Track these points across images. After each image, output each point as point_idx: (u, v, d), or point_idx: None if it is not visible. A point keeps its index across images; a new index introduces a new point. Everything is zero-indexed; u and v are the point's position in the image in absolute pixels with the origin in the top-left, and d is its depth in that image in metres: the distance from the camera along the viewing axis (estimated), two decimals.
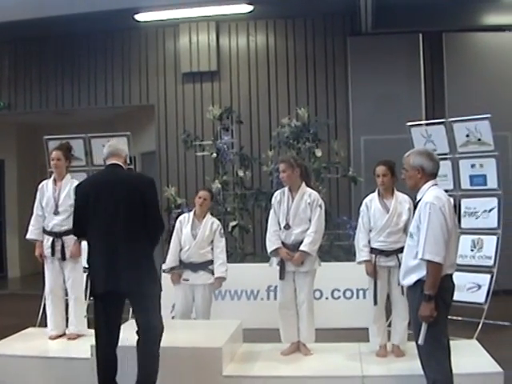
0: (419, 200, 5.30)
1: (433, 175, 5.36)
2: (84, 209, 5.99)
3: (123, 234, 5.88)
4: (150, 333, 6.03)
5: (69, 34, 12.84)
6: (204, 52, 12.65)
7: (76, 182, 8.10)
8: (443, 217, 5.06)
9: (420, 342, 5.06)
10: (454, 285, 5.32)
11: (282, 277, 7.30)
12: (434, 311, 4.99)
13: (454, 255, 5.30)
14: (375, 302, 7.19)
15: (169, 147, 12.92)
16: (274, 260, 7.43)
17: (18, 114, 14.18)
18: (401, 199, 7.24)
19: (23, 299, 12.88)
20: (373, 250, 7.20)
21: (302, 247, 7.19)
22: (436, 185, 5.34)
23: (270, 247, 7.35)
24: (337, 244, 10.51)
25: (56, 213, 7.97)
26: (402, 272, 5.41)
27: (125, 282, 5.84)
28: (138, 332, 6.05)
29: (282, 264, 7.28)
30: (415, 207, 5.36)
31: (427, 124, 10.02)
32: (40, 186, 8.26)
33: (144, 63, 13.14)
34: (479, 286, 9.04)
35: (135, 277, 5.89)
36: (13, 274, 16.24)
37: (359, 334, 7.88)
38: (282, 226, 7.29)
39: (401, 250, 6.93)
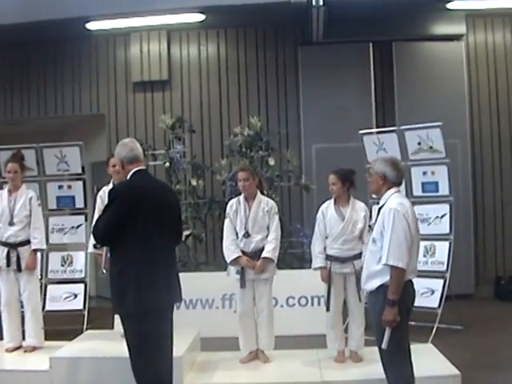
0: (381, 206, 5.38)
1: (396, 183, 5.46)
2: (124, 216, 5.43)
3: (167, 244, 5.70)
4: None
5: (18, 43, 12.63)
6: (155, 61, 12.59)
7: (32, 193, 8.09)
8: (406, 223, 5.15)
9: (384, 346, 5.13)
10: (414, 290, 5.41)
11: (243, 285, 7.33)
12: (398, 316, 5.06)
13: (416, 261, 5.40)
14: (328, 309, 7.31)
15: None
16: (232, 269, 7.46)
17: None
18: (357, 207, 7.34)
19: None
20: (328, 257, 7.29)
21: (265, 254, 7.24)
22: (398, 192, 5.44)
23: (229, 256, 7.35)
24: (290, 252, 10.55)
25: (11, 223, 7.90)
26: (363, 277, 5.48)
27: (176, 293, 5.78)
28: None
29: (242, 272, 7.31)
30: (378, 213, 5.43)
31: (379, 132, 10.14)
32: None
33: (94, 72, 13.01)
34: (432, 291, 9.19)
35: (178, 287, 5.82)
36: None
37: (316, 341, 7.98)
38: (241, 234, 7.33)
39: (356, 256, 7.14)
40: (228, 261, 7.39)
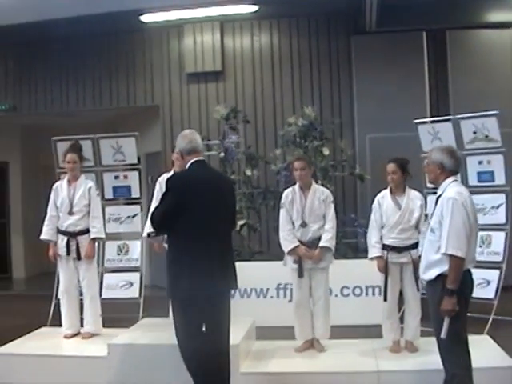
0: (439, 195, 5.36)
1: (453, 172, 5.43)
2: (180, 205, 5.63)
3: (222, 232, 5.85)
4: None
5: (74, 36, 12.82)
6: (208, 52, 12.68)
7: (91, 183, 8.24)
8: (465, 212, 5.12)
9: (442, 335, 5.11)
10: (473, 280, 5.39)
11: (301, 275, 7.36)
12: (456, 305, 5.05)
13: (474, 250, 5.37)
14: (385, 299, 7.27)
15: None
16: (289, 259, 7.49)
17: (23, 115, 14.19)
18: (413, 196, 7.30)
19: (29, 300, 12.93)
20: (385, 247, 7.26)
21: (323, 243, 7.28)
22: (456, 181, 5.41)
23: (286, 247, 7.39)
24: (344, 242, 10.53)
25: (71, 213, 8.05)
26: (422, 266, 5.46)
27: (230, 280, 5.93)
28: None
29: (299, 262, 7.34)
30: (436, 202, 5.41)
31: (434, 121, 10.04)
32: (54, 186, 8.33)
33: (149, 64, 13.17)
34: (488, 282, 9.06)
35: (233, 275, 5.99)
36: (17, 275, 16.25)
37: (371, 331, 7.98)
38: (298, 224, 7.36)
39: (413, 246, 7.10)
40: (286, 251, 7.42)
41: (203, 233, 5.67)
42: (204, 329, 5.74)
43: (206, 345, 5.69)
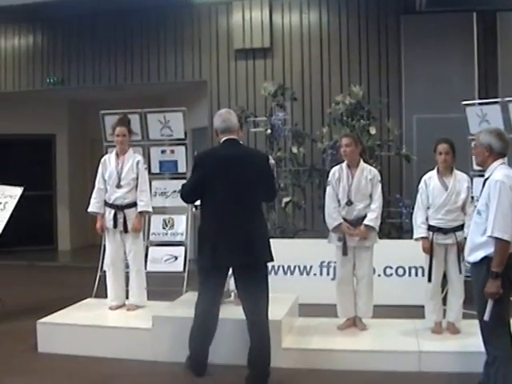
0: (487, 178, 5.35)
1: (501, 154, 5.39)
2: (203, 180, 6.11)
3: (249, 206, 6.12)
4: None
5: (122, 10, 12.94)
6: (257, 29, 12.69)
7: (139, 157, 8.33)
8: None
9: (486, 317, 5.12)
10: None
11: (345, 252, 7.40)
12: (500, 288, 5.05)
13: None
14: (429, 279, 7.26)
15: None
16: (333, 236, 7.53)
17: (71, 89, 14.34)
18: (459, 177, 7.28)
19: (74, 271, 13.20)
20: (430, 228, 7.25)
21: (367, 222, 7.32)
22: (504, 163, 5.38)
23: (331, 224, 7.43)
24: (389, 221, 10.55)
25: (119, 186, 8.14)
26: (467, 249, 5.46)
27: (255, 253, 6.10)
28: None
29: (344, 240, 7.38)
30: (483, 184, 5.40)
31: (482, 103, 9.95)
32: (102, 160, 8.41)
33: (197, 39, 13.21)
34: None
35: (262, 248, 6.15)
36: (63, 246, 16.54)
37: (413, 311, 7.98)
38: (344, 202, 7.40)
39: (458, 228, 7.09)
40: (330, 228, 7.46)
41: (228, 206, 6.05)
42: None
43: (209, 308, 6.28)
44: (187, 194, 6.38)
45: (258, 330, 6.17)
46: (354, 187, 7.37)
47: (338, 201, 7.45)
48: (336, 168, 7.62)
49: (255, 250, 6.09)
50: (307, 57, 12.78)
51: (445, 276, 7.39)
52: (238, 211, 6.04)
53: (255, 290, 6.15)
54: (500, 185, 5.11)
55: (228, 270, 6.35)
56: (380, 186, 7.47)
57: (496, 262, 5.05)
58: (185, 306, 7.55)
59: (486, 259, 5.17)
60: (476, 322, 5.46)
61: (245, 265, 6.06)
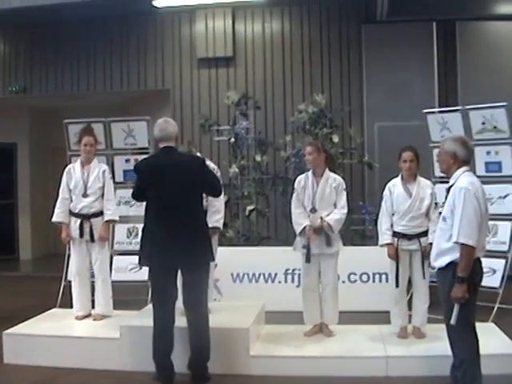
0: (452, 185, 5.45)
1: (466, 162, 5.51)
2: (143, 187, 6.52)
3: (185, 208, 6.34)
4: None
5: (85, 19, 12.88)
6: (220, 38, 12.74)
7: (104, 166, 8.33)
8: (477, 202, 5.22)
9: (452, 322, 5.21)
10: (482, 268, 5.48)
11: (308, 260, 7.45)
12: (467, 293, 5.15)
13: (484, 239, 5.47)
14: (397, 285, 7.33)
15: (184, 132, 12.90)
16: (298, 243, 7.58)
17: (34, 97, 14.26)
18: (423, 184, 7.39)
19: (37, 281, 13.01)
20: (395, 234, 7.35)
21: (327, 219, 7.37)
22: (468, 171, 5.50)
23: (298, 229, 7.48)
24: (352, 228, 10.65)
25: (85, 195, 8.10)
26: (433, 254, 5.55)
27: (180, 258, 6.30)
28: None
29: (308, 247, 7.43)
30: (448, 191, 5.51)
31: (443, 111, 10.11)
32: (67, 169, 8.35)
33: (160, 48, 13.23)
34: (494, 271, 9.14)
35: (189, 253, 6.30)
36: (24, 256, 16.34)
37: (378, 317, 8.05)
38: (308, 209, 7.46)
39: (422, 234, 7.21)
40: (297, 232, 7.50)
41: (164, 210, 6.34)
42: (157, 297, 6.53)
43: (158, 313, 6.47)
44: (136, 199, 7.02)
45: (193, 332, 6.38)
46: (319, 195, 7.44)
47: (304, 208, 7.51)
48: (302, 176, 7.69)
49: (190, 252, 6.28)
50: (270, 66, 12.87)
51: (409, 281, 7.49)
52: (173, 215, 6.30)
53: (192, 291, 6.37)
54: (465, 192, 5.22)
55: (173, 272, 6.47)
56: (345, 194, 7.53)
57: (462, 267, 5.15)
58: (152, 316, 7.56)
59: (451, 264, 5.27)
60: (441, 326, 5.58)
61: (182, 267, 6.36)
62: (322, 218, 7.38)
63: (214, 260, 6.66)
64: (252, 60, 12.92)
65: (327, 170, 7.57)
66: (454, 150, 5.48)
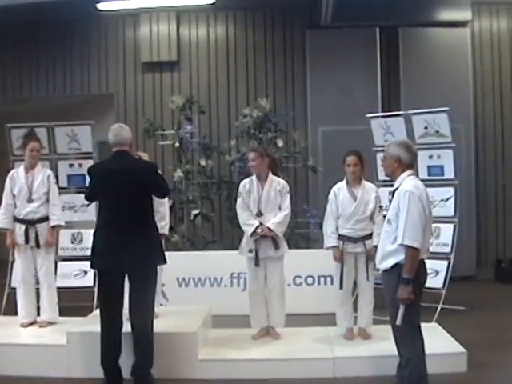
0: (396, 188, 5.55)
1: (410, 165, 5.63)
2: (94, 191, 6.62)
3: (127, 216, 6.30)
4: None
5: (28, 22, 12.67)
6: (164, 42, 12.68)
7: (49, 171, 8.26)
8: (421, 205, 5.33)
9: (398, 322, 5.30)
10: (426, 270, 5.59)
11: (257, 263, 7.52)
12: (411, 294, 5.25)
13: (428, 241, 5.58)
14: (341, 287, 7.44)
15: None
16: (245, 248, 7.64)
17: None
18: (368, 188, 7.51)
19: None
20: (340, 237, 7.46)
21: (269, 224, 7.43)
22: (412, 175, 5.61)
23: (248, 230, 7.51)
24: (297, 232, 10.72)
25: (30, 200, 8.02)
26: (378, 256, 5.65)
27: (130, 261, 6.25)
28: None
29: (256, 251, 7.49)
30: (392, 195, 5.60)
31: (386, 116, 10.25)
32: (10, 174, 8.24)
33: (104, 52, 13.09)
34: (437, 272, 9.34)
35: (140, 256, 6.27)
36: None
37: (323, 319, 8.18)
38: (254, 213, 7.53)
39: (367, 236, 7.33)
40: (249, 234, 7.52)
41: (114, 214, 6.36)
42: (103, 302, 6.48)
43: (104, 317, 6.42)
44: (86, 198, 6.98)
45: (137, 337, 6.34)
46: (264, 199, 7.51)
47: (250, 212, 7.57)
48: (246, 180, 7.75)
49: (140, 255, 6.26)
50: (214, 70, 12.85)
51: (355, 283, 7.59)
52: (125, 219, 6.30)
53: (139, 297, 6.34)
54: (409, 195, 5.32)
55: (121, 277, 6.42)
56: (288, 196, 7.63)
57: (407, 269, 5.25)
58: (99, 322, 7.52)
59: (396, 266, 5.37)
60: (386, 326, 5.69)
61: (131, 270, 6.31)
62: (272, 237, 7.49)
63: (166, 262, 6.61)
64: (196, 64, 12.88)
65: (271, 174, 7.65)
66: (398, 154, 5.59)
